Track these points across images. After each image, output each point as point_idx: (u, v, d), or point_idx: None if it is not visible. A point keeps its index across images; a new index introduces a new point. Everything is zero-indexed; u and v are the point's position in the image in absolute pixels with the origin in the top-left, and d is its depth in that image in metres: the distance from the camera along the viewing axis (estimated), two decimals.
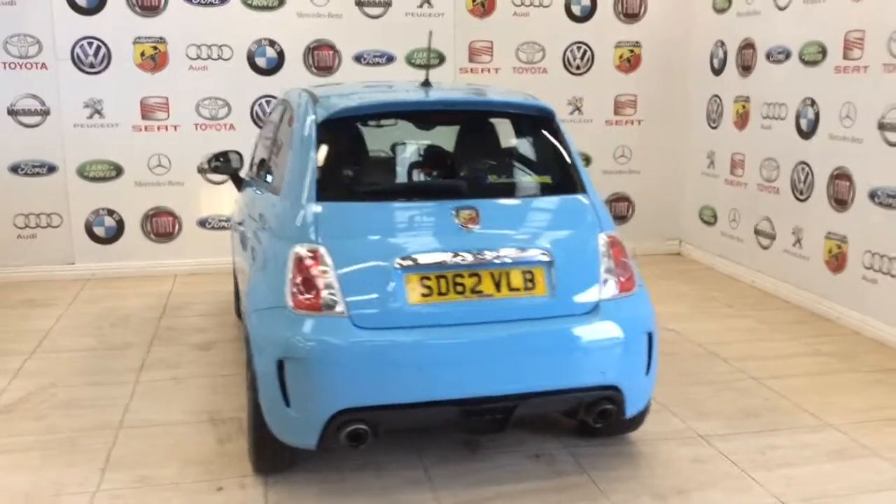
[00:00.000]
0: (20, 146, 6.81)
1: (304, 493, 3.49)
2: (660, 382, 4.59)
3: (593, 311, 3.44)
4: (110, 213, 7.04)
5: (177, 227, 7.19)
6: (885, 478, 3.64)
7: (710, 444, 3.95)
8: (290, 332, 3.20)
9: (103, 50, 6.80)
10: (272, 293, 3.32)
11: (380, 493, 3.50)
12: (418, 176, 3.97)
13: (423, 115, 3.93)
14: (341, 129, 3.68)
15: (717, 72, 7.37)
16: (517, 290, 3.38)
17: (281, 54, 7.09)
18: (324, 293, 3.22)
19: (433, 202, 3.52)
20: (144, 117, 6.93)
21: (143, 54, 6.87)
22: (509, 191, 3.69)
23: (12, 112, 6.74)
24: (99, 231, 7.06)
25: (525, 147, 4.07)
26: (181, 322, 5.85)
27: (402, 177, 3.91)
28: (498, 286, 3.35)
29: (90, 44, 6.78)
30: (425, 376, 3.21)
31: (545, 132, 3.89)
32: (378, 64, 7.26)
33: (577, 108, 7.68)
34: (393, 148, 4.08)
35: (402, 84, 4.33)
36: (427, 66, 4.07)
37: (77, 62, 6.77)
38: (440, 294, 3.30)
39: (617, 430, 3.92)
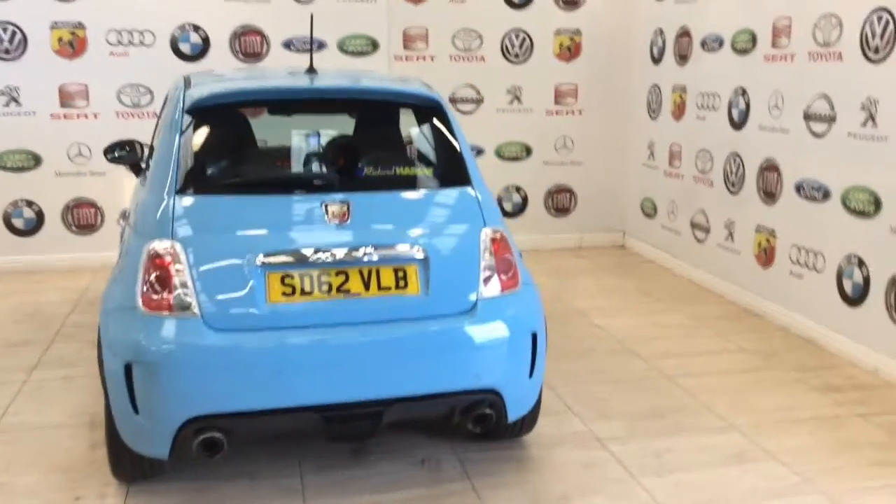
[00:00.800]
0: None
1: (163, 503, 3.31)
2: (568, 381, 4.50)
3: (470, 310, 3.26)
4: (29, 203, 6.81)
5: (99, 218, 6.97)
6: (779, 484, 3.49)
7: (605, 448, 3.79)
8: (138, 333, 3.00)
9: (19, 35, 6.55)
10: (124, 292, 3.13)
11: (255, 500, 3.32)
12: (296, 167, 3.76)
13: (299, 104, 3.73)
14: (210, 117, 3.48)
15: (657, 60, 7.20)
16: (388, 288, 3.19)
17: (206, 40, 6.86)
18: (176, 292, 3.02)
19: (302, 195, 3.34)
20: (63, 105, 6.69)
21: (60, 40, 6.63)
22: (387, 183, 3.50)
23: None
24: (17, 223, 6.82)
25: (410, 138, 3.88)
26: (90, 318, 5.61)
27: (274, 169, 3.70)
28: (367, 285, 3.17)
29: (5, 29, 6.52)
30: (282, 381, 3.02)
31: (432, 122, 3.71)
32: (308, 50, 7.02)
33: (517, 98, 7.49)
34: (271, 138, 3.87)
35: (287, 71, 4.12)
36: (310, 51, 3.87)
37: None
38: (303, 293, 3.11)
39: (507, 435, 3.75)
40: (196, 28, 6.82)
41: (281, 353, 3.03)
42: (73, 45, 6.63)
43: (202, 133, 3.43)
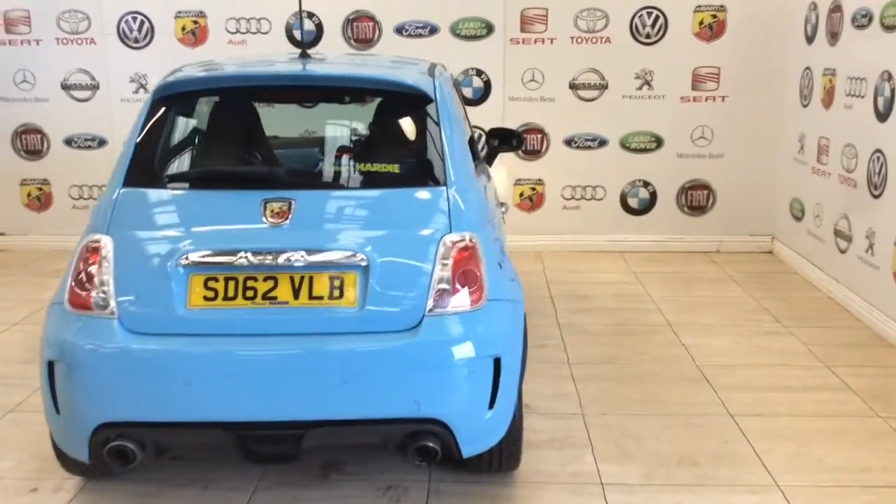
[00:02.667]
0: (74, 120, 7.02)
1: None
2: (608, 409, 3.94)
3: (413, 328, 2.86)
4: None
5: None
6: None
7: (604, 497, 3.23)
8: (60, 331, 2.89)
9: (147, 24, 6.84)
10: (62, 287, 3.04)
11: None
12: (247, 161, 3.48)
13: (269, 92, 3.46)
14: (176, 106, 3.31)
15: (810, 40, 6.21)
16: (319, 298, 2.86)
17: (319, 27, 6.79)
18: (96, 291, 2.89)
19: (244, 192, 3.07)
20: None
21: (184, 28, 6.83)
22: (342, 181, 3.16)
23: (65, 87, 6.95)
24: None
25: (389, 131, 3.50)
26: None
27: (217, 162, 3.45)
28: (297, 293, 2.86)
29: (134, 18, 6.83)
30: (190, 393, 2.80)
31: (416, 114, 3.31)
32: (421, 35, 6.77)
33: (647, 83, 6.78)
34: (246, 129, 3.62)
35: (283, 58, 3.86)
36: (300, 31, 3.60)
37: (122, 37, 6.86)
38: (226, 298, 2.86)
39: (483, 469, 3.30)
40: (310, 15, 6.76)
41: (190, 362, 2.80)
42: (195, 33, 6.81)
43: (165, 123, 3.27)
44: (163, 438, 2.92)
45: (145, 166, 3.16)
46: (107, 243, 2.95)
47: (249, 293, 2.86)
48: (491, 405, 2.93)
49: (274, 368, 2.81)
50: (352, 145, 3.45)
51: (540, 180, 7.02)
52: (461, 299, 2.92)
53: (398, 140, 3.38)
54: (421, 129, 3.26)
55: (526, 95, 6.85)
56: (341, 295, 2.87)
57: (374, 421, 2.85)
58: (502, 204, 6.52)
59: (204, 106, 3.44)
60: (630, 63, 6.75)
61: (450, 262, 2.93)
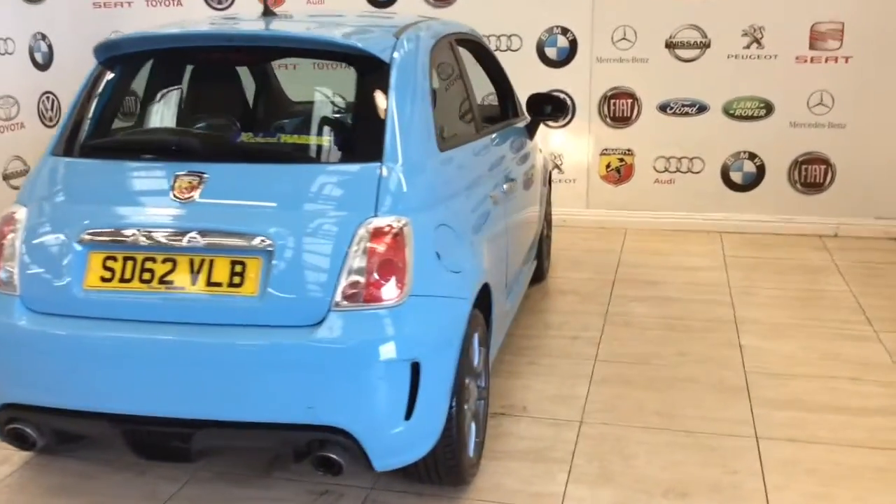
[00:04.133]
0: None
1: (40, 481, 3.11)
2: (615, 419, 3.48)
3: (317, 324, 2.52)
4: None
5: None
6: None
7: None
8: None
9: None
10: None
11: (106, 498, 2.99)
12: (167, 130, 3.18)
13: (207, 54, 3.15)
14: (120, 69, 3.08)
15: None
16: (218, 284, 2.57)
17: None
18: (4, 264, 2.75)
19: (157, 164, 2.82)
20: None
21: None
22: (264, 154, 2.82)
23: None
24: None
25: (329, 98, 3.11)
26: None
27: (147, 132, 3.15)
28: (195, 278, 2.59)
29: None
30: (78, 380, 2.61)
31: (364, 82, 2.91)
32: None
33: (756, 41, 5.95)
34: (181, 94, 3.31)
35: (245, 17, 3.52)
36: None
37: None
38: (122, 280, 2.63)
39: (425, 481, 2.92)
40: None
41: (77, 347, 2.61)
42: None
43: (104, 86, 3.05)
44: (59, 426, 2.76)
45: (75, 134, 2.97)
46: (21, 216, 2.80)
47: (146, 276, 2.62)
48: (407, 416, 2.55)
49: (160, 361, 2.56)
50: (286, 114, 3.12)
51: (629, 150, 6.37)
52: (375, 293, 2.54)
53: (337, 109, 3.01)
54: (366, 97, 2.87)
55: (616, 56, 6.21)
56: (241, 282, 2.56)
57: (267, 426, 2.55)
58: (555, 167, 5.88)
59: (144, 69, 3.21)
60: (737, 18, 5.94)
61: (365, 249, 2.55)
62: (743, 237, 6.12)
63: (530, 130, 4.56)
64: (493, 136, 3.76)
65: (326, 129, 2.90)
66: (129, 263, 2.63)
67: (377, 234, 2.57)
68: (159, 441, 2.65)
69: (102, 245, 2.66)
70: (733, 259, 5.62)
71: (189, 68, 3.25)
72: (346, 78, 2.94)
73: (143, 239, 2.60)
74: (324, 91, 3.20)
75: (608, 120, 6.32)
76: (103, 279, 2.64)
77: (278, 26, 3.08)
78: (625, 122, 6.32)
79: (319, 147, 2.80)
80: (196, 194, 2.66)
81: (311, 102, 3.16)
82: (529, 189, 4.37)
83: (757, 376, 3.82)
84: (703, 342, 4.23)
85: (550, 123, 6.36)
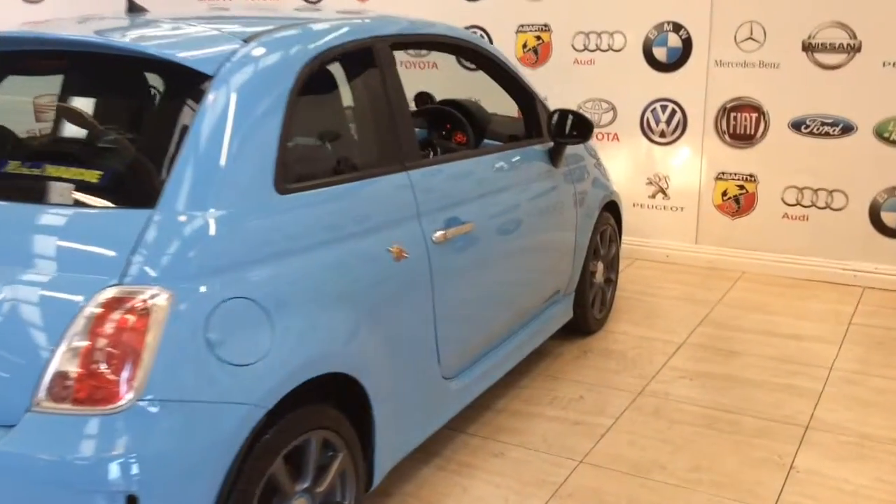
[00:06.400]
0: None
1: None
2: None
3: (8, 426, 1.89)
4: None
5: None
6: None
7: None
8: None
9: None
10: None
11: None
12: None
13: (23, 59, 2.55)
14: None
15: None
16: None
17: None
18: None
19: None
20: None
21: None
22: (14, 189, 2.18)
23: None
24: None
25: (123, 121, 2.39)
26: None
27: None
28: None
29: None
30: None
31: (176, 103, 2.23)
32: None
33: None
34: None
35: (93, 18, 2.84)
36: None
37: None
38: None
39: None
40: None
41: None
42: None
43: None
44: None
45: None
46: None
47: None
48: None
49: None
50: (82, 138, 2.47)
51: (751, 176, 5.15)
52: (93, 392, 1.87)
53: (126, 135, 2.31)
54: (164, 121, 2.19)
55: (739, 59, 5.02)
56: None
57: None
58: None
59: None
60: None
61: (89, 329, 1.88)
62: (890, 297, 4.74)
63: (553, 156, 3.65)
64: (431, 168, 2.90)
65: (105, 159, 2.23)
66: None
67: (110, 308, 1.89)
68: None
69: None
70: (860, 328, 4.31)
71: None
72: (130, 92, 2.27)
73: None
74: (122, 110, 2.52)
75: (727, 137, 5.15)
76: None
77: (95, 29, 2.45)
78: (747, 141, 5.11)
79: (84, 184, 2.13)
80: None
81: (103, 124, 2.49)
82: (535, 230, 3.49)
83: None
84: (740, 453, 3.13)
85: (654, 137, 5.33)
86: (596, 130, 5.43)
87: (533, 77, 5.53)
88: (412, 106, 4.13)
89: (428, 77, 5.87)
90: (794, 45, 4.84)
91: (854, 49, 4.70)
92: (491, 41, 5.74)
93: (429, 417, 2.89)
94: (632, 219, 5.39)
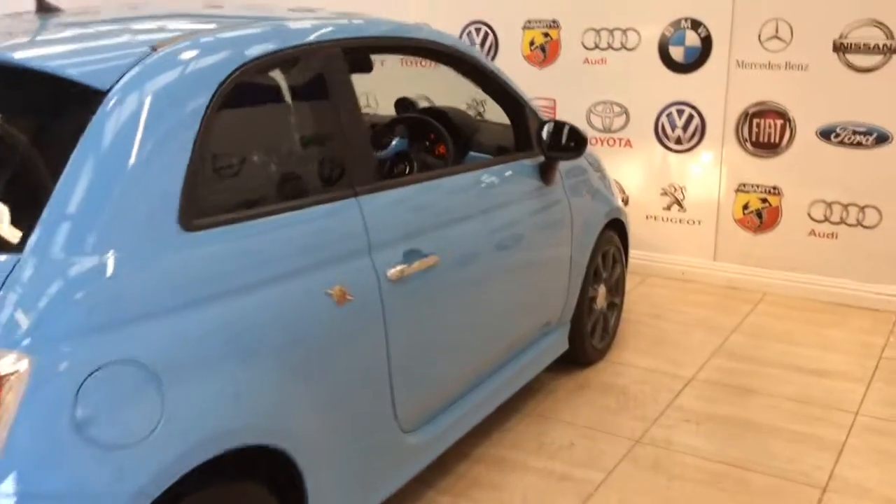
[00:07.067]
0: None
1: None
2: None
3: None
4: None
5: None
6: None
7: None
8: None
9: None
10: None
11: None
12: None
13: None
14: None
15: None
16: None
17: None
18: None
19: None
20: None
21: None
22: None
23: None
24: None
25: (20, 147, 2.02)
26: None
27: None
28: None
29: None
30: None
31: (59, 124, 1.87)
32: None
33: None
34: None
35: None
36: None
37: None
38: None
39: None
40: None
41: None
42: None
43: None
44: None
45: None
46: None
47: None
48: None
49: None
50: None
51: (775, 188, 4.70)
52: None
53: (32, 161, 1.95)
54: (44, 146, 1.84)
55: (763, 59, 4.57)
56: None
57: None
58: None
59: None
60: None
61: None
62: None
63: (543, 172, 3.25)
64: (388, 193, 2.51)
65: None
66: None
67: None
68: None
69: None
70: (891, 364, 3.87)
71: None
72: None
73: None
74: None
75: (748, 145, 4.71)
76: None
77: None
78: (771, 150, 4.66)
79: None
80: None
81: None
82: (518, 259, 3.11)
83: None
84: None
85: (670, 144, 4.91)
86: (607, 136, 5.08)
87: (540, 77, 5.20)
88: (393, 113, 3.76)
89: (428, 77, 5.47)
90: (824, 45, 4.38)
91: (890, 50, 4.24)
92: (496, 38, 5.36)
93: (383, 479, 2.51)
94: (644, 232, 4.98)
